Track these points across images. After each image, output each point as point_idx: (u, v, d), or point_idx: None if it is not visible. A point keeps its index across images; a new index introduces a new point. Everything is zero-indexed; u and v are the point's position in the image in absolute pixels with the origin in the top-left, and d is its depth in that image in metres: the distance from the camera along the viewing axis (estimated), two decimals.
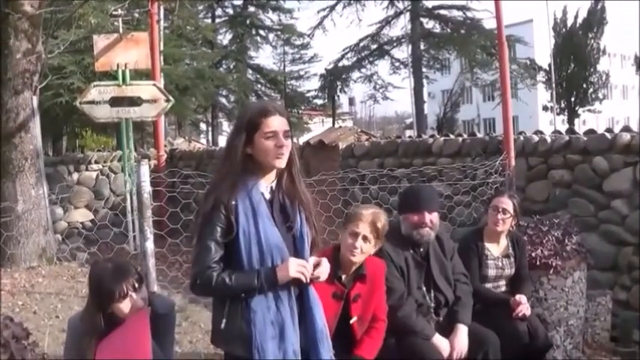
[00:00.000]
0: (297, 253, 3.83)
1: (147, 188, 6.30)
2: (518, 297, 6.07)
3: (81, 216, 15.12)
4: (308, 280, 3.76)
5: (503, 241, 6.51)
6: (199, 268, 3.72)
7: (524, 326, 5.94)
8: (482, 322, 5.77)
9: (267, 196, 3.85)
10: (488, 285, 6.33)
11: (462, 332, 5.51)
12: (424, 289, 5.60)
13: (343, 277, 4.89)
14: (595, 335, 7.47)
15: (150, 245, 6.27)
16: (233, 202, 3.70)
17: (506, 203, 6.36)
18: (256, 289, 3.66)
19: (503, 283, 6.42)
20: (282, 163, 3.78)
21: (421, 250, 5.63)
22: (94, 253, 10.29)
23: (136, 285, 4.30)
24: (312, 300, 3.87)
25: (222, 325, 3.78)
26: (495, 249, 6.45)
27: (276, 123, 3.75)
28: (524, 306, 6.01)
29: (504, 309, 6.02)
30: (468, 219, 9.68)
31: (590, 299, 7.36)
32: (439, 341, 5.37)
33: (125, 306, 4.23)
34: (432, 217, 5.54)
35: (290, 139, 3.81)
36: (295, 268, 3.69)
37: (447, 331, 5.51)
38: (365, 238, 4.87)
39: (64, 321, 8.12)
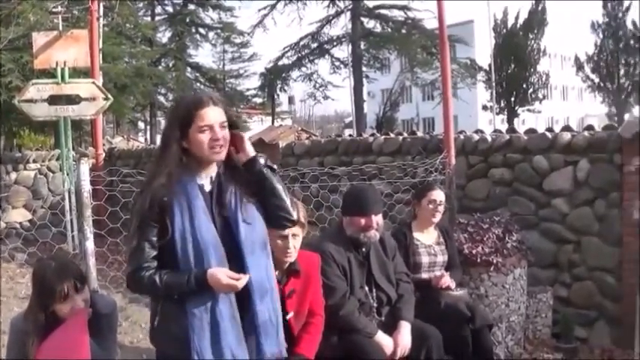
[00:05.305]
0: (233, 241, 3.69)
1: (86, 187, 6.24)
2: (438, 274, 6.30)
3: (19, 216, 14.88)
4: (239, 288, 3.56)
5: (433, 231, 6.69)
6: (132, 268, 3.65)
7: (462, 304, 6.08)
8: (422, 311, 5.83)
9: (208, 187, 3.74)
10: (424, 273, 6.43)
11: (405, 329, 5.52)
12: (366, 288, 5.60)
13: (276, 273, 4.85)
14: (536, 332, 7.56)
15: (90, 245, 6.21)
16: (167, 201, 3.59)
17: (441, 195, 6.63)
18: (187, 292, 3.58)
19: (438, 269, 6.51)
20: (220, 156, 3.67)
21: (363, 249, 5.63)
22: (33, 254, 10.13)
23: (78, 286, 4.24)
24: (255, 291, 3.71)
25: (156, 323, 3.75)
26: (426, 238, 6.62)
27: (211, 115, 3.62)
28: (445, 278, 6.23)
29: (435, 293, 6.21)
30: (408, 217, 9.69)
31: (531, 296, 7.45)
32: (382, 339, 5.39)
33: (65, 307, 4.18)
34: (378, 219, 5.57)
35: (227, 130, 3.68)
36: (225, 281, 3.53)
37: (391, 329, 5.52)
38: (294, 236, 4.81)
39: (3, 322, 8.01)
